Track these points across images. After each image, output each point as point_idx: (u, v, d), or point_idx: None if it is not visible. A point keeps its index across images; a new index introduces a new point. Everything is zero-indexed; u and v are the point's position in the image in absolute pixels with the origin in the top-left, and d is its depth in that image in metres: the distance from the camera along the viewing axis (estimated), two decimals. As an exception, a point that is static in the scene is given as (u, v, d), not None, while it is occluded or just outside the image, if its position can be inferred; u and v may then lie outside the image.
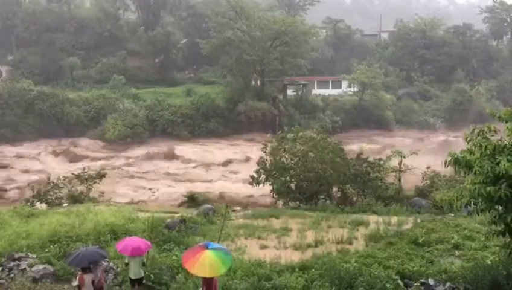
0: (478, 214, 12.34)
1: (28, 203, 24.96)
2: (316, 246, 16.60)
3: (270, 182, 27.06)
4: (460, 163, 11.80)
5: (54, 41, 77.42)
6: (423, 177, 27.82)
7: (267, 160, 27.42)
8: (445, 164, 12.01)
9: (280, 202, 26.98)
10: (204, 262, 9.84)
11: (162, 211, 22.76)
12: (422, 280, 13.31)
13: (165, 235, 16.74)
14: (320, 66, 77.13)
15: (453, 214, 20.34)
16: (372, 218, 20.09)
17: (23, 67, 74.06)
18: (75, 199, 26.30)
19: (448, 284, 13.09)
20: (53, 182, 28.58)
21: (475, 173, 11.44)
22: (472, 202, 11.86)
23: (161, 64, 77.66)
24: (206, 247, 10.21)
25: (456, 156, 11.87)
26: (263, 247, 16.72)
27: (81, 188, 28.44)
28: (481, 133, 11.85)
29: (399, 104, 71.26)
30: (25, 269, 13.80)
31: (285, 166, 26.60)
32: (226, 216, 18.81)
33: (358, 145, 44.45)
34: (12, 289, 12.59)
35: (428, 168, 28.20)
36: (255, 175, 27.63)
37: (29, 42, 77.75)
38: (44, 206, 25.01)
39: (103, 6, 79.05)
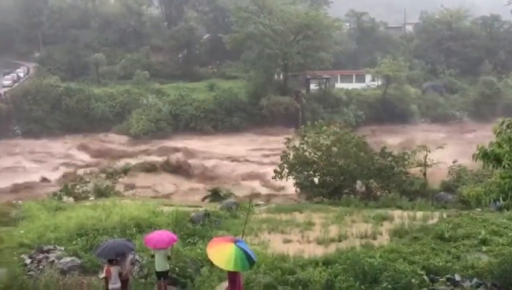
0: (508, 209, 12.07)
1: (56, 197, 25.49)
2: (339, 240, 16.50)
3: (293, 177, 27.00)
4: (489, 157, 11.52)
5: (79, 38, 78.66)
6: (449, 172, 27.35)
7: (290, 154, 27.35)
8: (473, 157, 11.73)
9: (303, 197, 26.92)
10: (224, 254, 9.80)
11: (186, 205, 22.94)
12: (448, 276, 13.12)
13: (189, 229, 16.88)
14: (343, 59, 76.46)
15: (480, 209, 19.96)
16: (397, 213, 19.86)
17: (49, 63, 75.55)
18: (101, 192, 26.74)
19: (475, 280, 12.87)
20: (79, 177, 29.15)
21: (504, 167, 11.16)
22: (501, 197, 11.59)
23: (184, 59, 78.21)
24: (234, 242, 10.15)
25: (484, 150, 11.58)
26: (286, 241, 16.71)
27: (106, 182, 28.92)
28: (510, 126, 11.56)
29: (424, 98, 70.23)
30: (53, 261, 14.09)
31: (308, 160, 26.49)
32: (250, 210, 18.85)
33: (382, 139, 43.93)
34: (41, 280, 12.89)
35: (454, 162, 27.72)
36: (278, 169, 27.60)
37: (55, 39, 79.20)
38: (71, 199, 25.50)
39: (127, 2, 79.93)
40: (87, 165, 43.20)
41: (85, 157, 49.95)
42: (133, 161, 44.13)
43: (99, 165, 42.60)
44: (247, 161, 48.49)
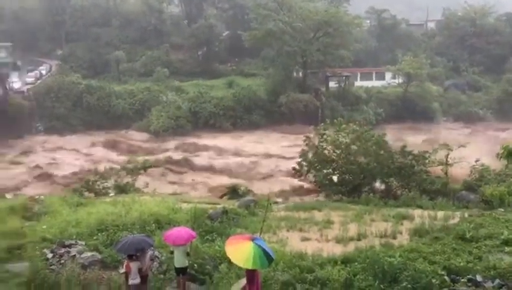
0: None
1: (77, 193, 25.87)
2: (358, 239, 16.39)
3: (313, 174, 26.92)
4: (513, 156, 11.30)
5: (101, 36, 79.60)
6: (471, 171, 26.92)
7: (309, 152, 27.26)
8: (497, 156, 11.52)
9: (322, 195, 26.82)
10: (243, 252, 9.80)
11: (205, 202, 23.06)
12: (469, 276, 12.92)
13: (207, 226, 16.97)
14: (363, 57, 75.82)
15: (503, 209, 19.60)
16: (417, 212, 19.63)
17: (71, 61, 76.65)
18: (121, 189, 27.06)
19: (497, 281, 12.64)
20: (100, 173, 29.52)
21: (528, 166, 10.93)
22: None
23: (204, 56, 78.53)
24: (252, 239, 10.14)
25: (509, 149, 11.36)
26: (305, 239, 16.66)
27: (126, 178, 29.25)
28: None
29: (446, 96, 69.22)
30: (74, 255, 14.32)
31: (328, 158, 26.37)
32: (268, 208, 18.85)
33: (403, 138, 43.46)
34: (62, 275, 13.11)
35: (477, 161, 27.28)
36: (297, 167, 27.55)
37: (77, 37, 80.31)
38: (92, 195, 25.86)
39: (148, 1, 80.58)
40: (107, 162, 43.72)
41: (106, 153, 50.59)
42: (154, 157, 44.68)
43: (119, 161, 43.12)
44: (263, 157, 48.39)
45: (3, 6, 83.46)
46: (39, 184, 38.57)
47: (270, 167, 43.88)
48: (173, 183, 38.59)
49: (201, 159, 47.27)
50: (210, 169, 43.97)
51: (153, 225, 16.79)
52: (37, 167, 44.59)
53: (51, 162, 46.61)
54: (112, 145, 53.56)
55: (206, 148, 51.85)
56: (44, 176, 41.39)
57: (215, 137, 56.56)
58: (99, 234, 15.86)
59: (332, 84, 69.26)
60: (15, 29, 79.65)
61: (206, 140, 55.13)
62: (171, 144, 54.31)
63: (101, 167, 34.08)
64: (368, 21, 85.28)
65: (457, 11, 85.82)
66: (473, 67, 76.50)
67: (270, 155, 48.45)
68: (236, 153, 49.77)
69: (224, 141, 54.96)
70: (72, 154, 50.56)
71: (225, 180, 36.66)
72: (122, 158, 46.36)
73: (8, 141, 53.24)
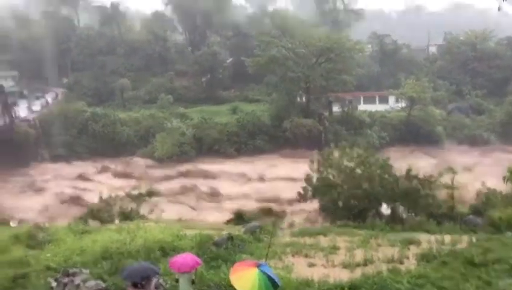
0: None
1: (82, 220, 25.79)
2: (365, 265, 16.17)
3: (318, 199, 26.81)
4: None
5: (106, 64, 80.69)
6: (477, 194, 26.73)
7: (313, 177, 27.21)
8: (503, 179, 11.46)
9: (327, 220, 26.63)
10: (248, 279, 9.69)
11: (210, 228, 22.91)
12: (479, 302, 12.69)
13: (213, 253, 16.82)
14: (366, 81, 76.32)
15: (511, 233, 19.38)
16: (424, 237, 19.43)
17: (77, 89, 77.54)
18: (126, 216, 26.95)
19: (507, 307, 12.41)
20: (105, 200, 29.48)
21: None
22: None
23: (208, 83, 79.27)
24: (257, 266, 10.03)
25: (514, 172, 11.31)
26: (311, 265, 16.46)
27: (131, 205, 29.18)
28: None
29: (449, 119, 69.28)
30: (79, 284, 14.16)
31: (332, 183, 26.29)
32: (273, 234, 18.70)
33: (407, 162, 43.32)
34: (67, 303, 12.96)
35: (483, 184, 27.11)
36: (302, 192, 27.45)
37: (83, 65, 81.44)
38: (97, 223, 25.75)
39: (152, 29, 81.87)
40: (112, 189, 43.74)
41: (110, 180, 50.62)
42: (157, 184, 44.68)
43: (124, 188, 43.12)
44: (267, 181, 48.43)
45: (10, 35, 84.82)
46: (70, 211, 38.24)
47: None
48: (191, 208, 38.63)
49: (216, 184, 47.41)
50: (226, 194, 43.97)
51: (158, 252, 16.65)
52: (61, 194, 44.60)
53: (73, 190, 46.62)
54: (115, 172, 53.66)
55: (216, 174, 51.98)
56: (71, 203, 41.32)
57: (222, 163, 56.71)
58: (103, 262, 15.72)
59: (335, 108, 69.58)
60: (22, 58, 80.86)
61: (214, 165, 55.23)
62: (176, 170, 54.32)
63: (105, 194, 34.03)
64: (370, 46, 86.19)
65: (458, 36, 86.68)
66: (475, 90, 76.79)
67: (294, 179, 48.32)
68: (258, 178, 49.95)
69: (237, 166, 55.21)
70: (75, 181, 50.51)
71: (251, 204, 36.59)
72: (126, 184, 46.44)
73: (16, 169, 53.33)
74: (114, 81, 75.95)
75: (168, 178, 51.16)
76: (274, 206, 33.83)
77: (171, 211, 37.06)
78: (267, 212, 28.55)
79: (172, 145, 58.90)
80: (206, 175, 51.89)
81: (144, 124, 64.14)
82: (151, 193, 32.63)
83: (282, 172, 52.17)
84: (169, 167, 55.87)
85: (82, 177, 52.31)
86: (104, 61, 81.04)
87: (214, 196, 44.00)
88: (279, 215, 29.99)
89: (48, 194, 45.22)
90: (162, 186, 45.39)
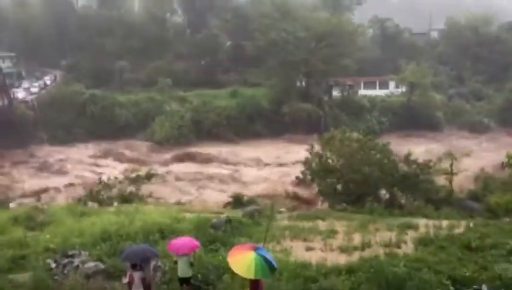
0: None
1: (81, 202, 25.90)
2: (363, 249, 16.32)
3: (317, 184, 26.92)
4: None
5: (105, 46, 79.96)
6: (476, 180, 26.87)
7: (313, 161, 27.28)
8: (502, 165, 11.51)
9: (326, 204, 26.79)
10: (245, 262, 9.80)
11: (208, 211, 23.04)
12: (475, 286, 12.82)
13: (211, 236, 16.93)
14: (366, 66, 75.90)
15: (508, 219, 19.51)
16: (422, 221, 19.57)
17: (75, 71, 77.00)
18: (125, 198, 27.08)
19: (503, 291, 12.55)
20: (104, 182, 29.55)
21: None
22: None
23: (207, 66, 78.74)
24: (255, 249, 10.11)
25: (512, 158, 11.35)
26: (309, 249, 16.60)
27: (130, 188, 29.28)
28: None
29: (450, 105, 69.19)
30: (78, 265, 14.27)
31: (332, 167, 26.38)
32: (272, 217, 18.81)
33: (406, 147, 43.43)
34: (66, 285, 13.08)
35: (481, 170, 27.22)
36: (301, 176, 27.54)
37: (81, 47, 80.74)
38: (95, 205, 25.86)
39: (151, 11, 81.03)
40: (111, 171, 43.81)
41: (109, 163, 50.68)
42: (156, 167, 44.73)
43: (123, 171, 43.19)
44: (267, 166, 48.54)
45: (7, 16, 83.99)
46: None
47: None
48: (191, 192, 38.68)
49: (200, 168, 47.45)
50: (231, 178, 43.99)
51: (156, 234, 16.76)
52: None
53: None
54: (114, 155, 53.63)
55: (215, 157, 52.02)
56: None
57: (220, 146, 56.62)
58: (102, 244, 15.82)
59: (335, 93, 69.45)
60: (19, 39, 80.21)
61: (213, 148, 55.22)
62: (174, 153, 54.35)
63: (104, 177, 34.09)
64: (371, 30, 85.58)
65: (460, 20, 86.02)
66: (475, 76, 76.52)
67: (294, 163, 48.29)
68: (257, 163, 50.10)
69: (241, 150, 55.16)
70: (74, 163, 50.56)
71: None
72: (125, 167, 46.54)
73: (16, 151, 53.35)
74: (112, 63, 75.43)
75: (166, 161, 51.21)
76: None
77: (170, 194, 37.28)
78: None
79: (171, 128, 58.82)
80: (205, 158, 51.91)
81: (143, 107, 63.95)
82: (150, 176, 32.69)
83: (282, 156, 52.28)
84: (168, 150, 55.88)
85: (74, 159, 52.15)
86: (102, 43, 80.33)
87: (213, 179, 44.05)
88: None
89: (71, 176, 45.10)
90: (161, 169, 45.46)
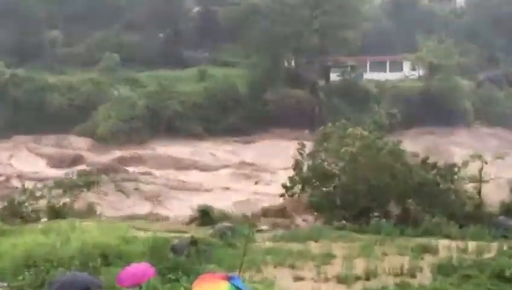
0: None
1: (-2, 218, 25.51)
2: (367, 279, 16.47)
3: (308, 193, 27.01)
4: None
5: (33, 11, 78.77)
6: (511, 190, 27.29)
7: (303, 164, 27.38)
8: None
9: (320, 220, 26.92)
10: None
11: (167, 229, 22.97)
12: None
13: (170, 261, 16.89)
14: (374, 42, 76.37)
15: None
16: (443, 243, 19.82)
17: (-9, 44, 75.73)
18: (56, 212, 26.75)
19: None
20: (29, 191, 29.18)
21: None
22: None
23: (167, 39, 78.32)
24: (228, 279, 10.14)
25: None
26: (298, 279, 16.69)
27: (63, 198, 28.96)
28: None
29: (479, 93, 70.14)
30: (-8, 301, 14.10)
31: (328, 173, 26.51)
32: (250, 237, 18.84)
33: (423, 146, 43.92)
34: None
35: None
36: (288, 184, 27.61)
37: (0, 13, 79.41)
38: (17, 221, 25.52)
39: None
40: (39, 176, 43.23)
41: (36, 165, 50.07)
42: (99, 171, 44.32)
43: (55, 176, 42.70)
44: (243, 170, 48.62)
45: None
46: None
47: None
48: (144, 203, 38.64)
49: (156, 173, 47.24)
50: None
51: (99, 259, 16.65)
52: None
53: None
54: (43, 154, 53.08)
55: (177, 159, 51.90)
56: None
57: (184, 144, 56.45)
58: (26, 272, 15.66)
59: (334, 76, 69.80)
60: None
61: (174, 148, 55.06)
62: (122, 152, 53.95)
63: (29, 183, 33.72)
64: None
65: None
66: (512, 56, 77.76)
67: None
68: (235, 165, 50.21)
69: (211, 149, 55.43)
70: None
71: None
72: (58, 171, 46.00)
73: None
74: (42, 33, 74.43)
75: (112, 163, 50.73)
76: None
77: (117, 207, 36.96)
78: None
79: (118, 120, 58.40)
80: (164, 160, 51.67)
81: (82, 92, 63.27)
82: (90, 183, 32.37)
83: (264, 158, 52.35)
84: (114, 148, 55.45)
85: (16, 159, 51.51)
86: (29, 8, 79.19)
87: (175, 188, 43.89)
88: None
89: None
90: (104, 174, 45.02)
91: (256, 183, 45.17)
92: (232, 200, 40.59)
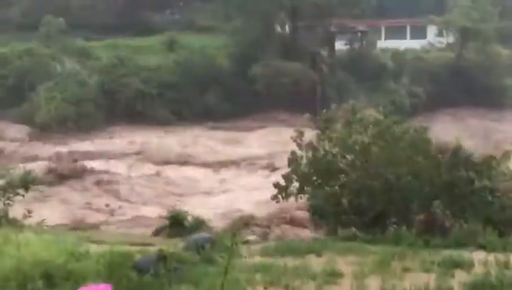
0: None
1: None
2: (383, 302, 16.62)
3: (308, 195, 27.09)
4: None
5: None
6: None
7: (302, 158, 27.45)
8: None
9: (322, 228, 27.03)
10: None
11: (129, 242, 22.97)
12: None
13: (133, 282, 16.94)
14: (391, 0, 76.69)
15: None
16: (478, 256, 19.99)
17: None
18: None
19: None
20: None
21: None
22: None
23: (126, -1, 78.11)
24: None
25: None
26: (295, 303, 16.81)
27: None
28: None
29: (525, 66, 70.59)
30: None
31: (333, 168, 26.60)
32: (233, 251, 18.90)
33: (454, 134, 44.18)
34: None
35: None
36: (283, 183, 27.67)
37: None
38: None
39: None
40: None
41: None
42: (40, 168, 44.25)
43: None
44: (228, 168, 48.77)
45: None
46: None
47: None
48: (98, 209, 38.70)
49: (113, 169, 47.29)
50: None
51: (40, 281, 16.66)
52: None
53: None
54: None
55: (140, 153, 51.93)
56: None
57: (148, 133, 56.48)
58: None
59: (340, 45, 69.80)
60: None
61: (135, 138, 55.07)
62: (70, 144, 53.89)
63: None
64: None
65: None
66: None
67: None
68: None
69: (185, 140, 55.32)
70: None
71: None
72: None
73: None
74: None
75: (56, 159, 50.66)
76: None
77: (64, 213, 36.94)
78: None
79: (64, 102, 58.19)
80: (123, 154, 51.63)
81: (16, 66, 63.00)
82: (28, 184, 32.20)
83: (252, 150, 52.44)
84: (59, 138, 55.37)
85: None
86: None
87: (139, 188, 43.94)
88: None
89: None
90: (47, 172, 45.01)
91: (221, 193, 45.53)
92: (213, 199, 40.85)
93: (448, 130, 46.43)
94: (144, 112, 60.64)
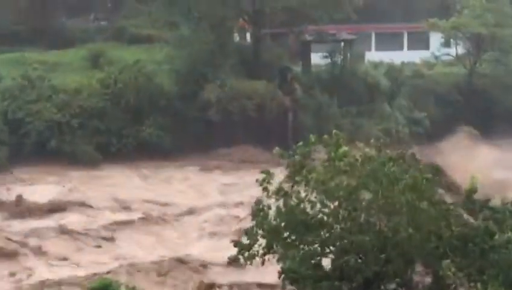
0: None
1: None
2: None
3: (277, 257, 27.11)
4: None
5: None
6: None
7: (269, 207, 27.51)
8: None
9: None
10: None
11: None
12: None
13: None
14: (383, 2, 77.64)
15: None
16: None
17: None
18: None
19: None
20: None
21: None
22: None
23: (37, 1, 78.18)
24: None
25: None
26: None
27: None
28: None
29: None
30: None
31: (311, 219, 26.68)
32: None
33: (467, 169, 44.63)
34: None
35: None
36: (244, 241, 27.69)
37: None
38: None
39: None
40: None
41: None
42: None
43: None
44: (173, 220, 48.90)
45: None
46: None
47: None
48: None
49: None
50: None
51: None
52: None
53: None
54: None
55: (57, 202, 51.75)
56: None
57: (75, 174, 56.50)
58: None
59: (317, 58, 70.16)
60: None
61: (46, 180, 54.89)
62: None
63: None
64: None
65: None
66: None
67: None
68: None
69: (112, 183, 55.71)
70: None
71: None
72: None
73: None
74: None
75: None
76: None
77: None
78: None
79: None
80: (35, 204, 51.33)
81: None
82: None
83: (198, 200, 52.50)
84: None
85: None
86: None
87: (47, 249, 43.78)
88: None
89: None
90: None
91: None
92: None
93: (458, 166, 46.92)
94: (59, 149, 60.26)
